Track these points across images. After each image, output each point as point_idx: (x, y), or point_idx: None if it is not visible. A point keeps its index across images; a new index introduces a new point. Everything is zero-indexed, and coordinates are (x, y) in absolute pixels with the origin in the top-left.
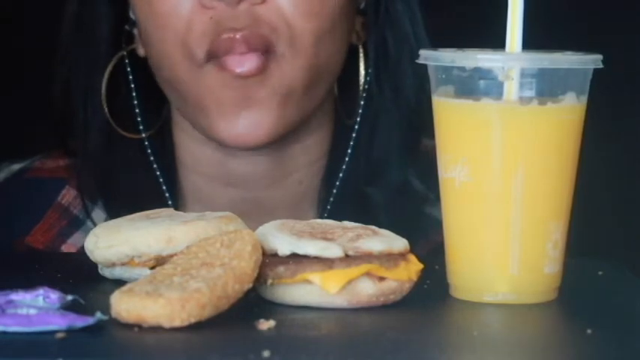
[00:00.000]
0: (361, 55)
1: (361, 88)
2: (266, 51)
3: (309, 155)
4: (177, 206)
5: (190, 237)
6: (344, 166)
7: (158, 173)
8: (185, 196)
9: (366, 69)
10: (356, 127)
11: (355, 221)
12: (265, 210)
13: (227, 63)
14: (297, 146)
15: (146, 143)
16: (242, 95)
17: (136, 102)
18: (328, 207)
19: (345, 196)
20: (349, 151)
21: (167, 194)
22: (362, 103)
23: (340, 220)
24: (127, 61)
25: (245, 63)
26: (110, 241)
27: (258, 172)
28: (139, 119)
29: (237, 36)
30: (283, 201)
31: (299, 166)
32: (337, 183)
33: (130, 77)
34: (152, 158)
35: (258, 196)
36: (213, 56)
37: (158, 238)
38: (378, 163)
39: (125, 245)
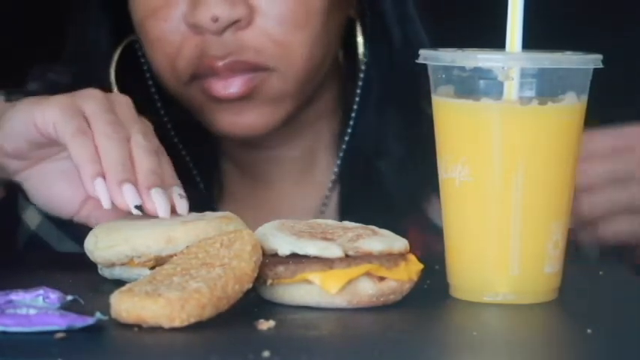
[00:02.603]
0: (358, 27)
1: (360, 57)
2: (254, 70)
3: (319, 113)
4: (216, 174)
5: (190, 237)
6: (349, 132)
7: (185, 153)
8: (226, 160)
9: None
10: (357, 98)
11: (365, 189)
12: (283, 169)
13: (212, 87)
14: (305, 109)
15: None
16: (230, 113)
17: (150, 82)
18: (337, 171)
19: (353, 165)
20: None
21: (198, 178)
22: (361, 75)
23: (351, 190)
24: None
25: (230, 86)
26: (110, 241)
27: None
28: (156, 97)
29: (220, 64)
30: (300, 160)
31: (310, 123)
32: (343, 150)
33: (142, 60)
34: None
35: (277, 155)
36: (197, 78)
37: (158, 239)
38: (381, 134)
39: (125, 245)
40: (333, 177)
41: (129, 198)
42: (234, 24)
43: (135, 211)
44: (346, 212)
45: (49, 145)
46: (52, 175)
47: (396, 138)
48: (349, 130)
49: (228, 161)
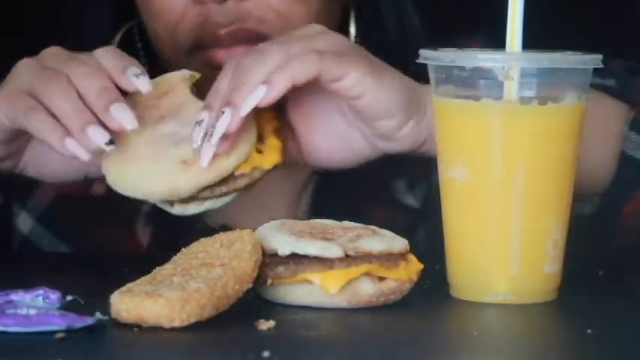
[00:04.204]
0: (352, 16)
1: None
2: (256, 40)
3: None
4: None
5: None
6: None
7: None
8: None
9: (356, 28)
10: None
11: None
12: None
13: (214, 56)
14: None
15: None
16: None
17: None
18: None
19: None
20: None
21: None
22: None
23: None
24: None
25: (233, 55)
26: (122, 189)
27: None
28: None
29: (222, 32)
30: None
31: None
32: None
33: (139, 45)
34: None
35: None
36: (199, 47)
37: (161, 187)
38: None
39: (135, 192)
40: None
41: (96, 139)
42: None
43: (108, 148)
44: (321, 190)
45: (22, 133)
46: (44, 153)
47: None
48: None
49: None
